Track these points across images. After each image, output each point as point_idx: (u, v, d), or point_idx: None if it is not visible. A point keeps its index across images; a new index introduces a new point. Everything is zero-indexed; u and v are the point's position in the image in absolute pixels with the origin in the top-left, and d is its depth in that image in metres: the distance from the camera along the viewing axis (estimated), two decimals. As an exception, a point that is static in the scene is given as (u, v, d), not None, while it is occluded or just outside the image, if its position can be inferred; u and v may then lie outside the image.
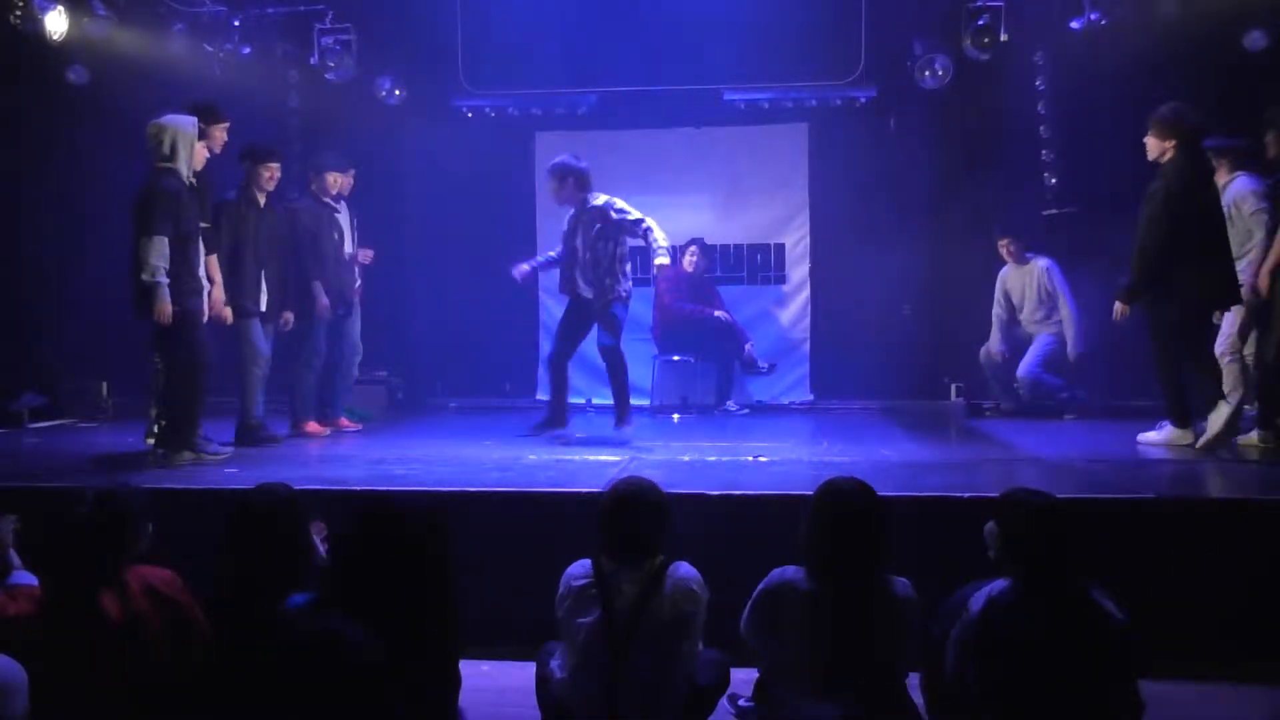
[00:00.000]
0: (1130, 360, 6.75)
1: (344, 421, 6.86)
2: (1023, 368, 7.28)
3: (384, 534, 2.73)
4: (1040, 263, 7.40)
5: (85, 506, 2.88)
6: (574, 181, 6.22)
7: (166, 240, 5.01)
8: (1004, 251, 7.49)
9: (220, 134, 5.69)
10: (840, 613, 2.82)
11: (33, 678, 2.60)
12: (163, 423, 5.50)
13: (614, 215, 6.13)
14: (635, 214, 6.15)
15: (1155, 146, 5.50)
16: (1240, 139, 6.10)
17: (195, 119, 5.32)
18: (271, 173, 6.23)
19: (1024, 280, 7.45)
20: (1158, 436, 5.70)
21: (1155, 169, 5.54)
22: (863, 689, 2.79)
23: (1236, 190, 5.84)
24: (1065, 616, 2.69)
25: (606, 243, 6.16)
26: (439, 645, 2.68)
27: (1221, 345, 5.86)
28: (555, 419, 6.41)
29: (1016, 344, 7.47)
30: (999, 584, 2.79)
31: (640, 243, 6.29)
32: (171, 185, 5.11)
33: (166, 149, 5.14)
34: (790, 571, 2.94)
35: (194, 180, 5.28)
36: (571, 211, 6.32)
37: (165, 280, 5.02)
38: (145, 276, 4.99)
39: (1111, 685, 2.70)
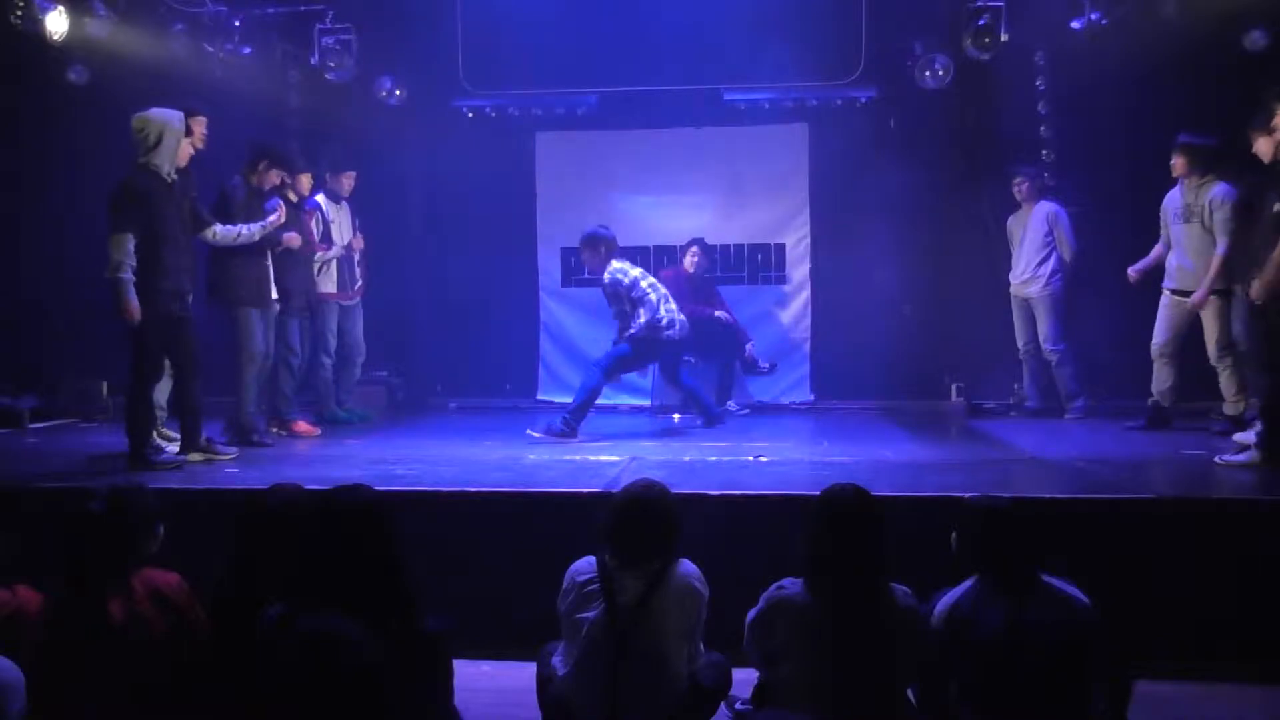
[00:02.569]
0: (1131, 361, 6.76)
1: (301, 426, 6.65)
2: (1049, 342, 7.12)
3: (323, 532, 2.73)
4: (1048, 205, 7.27)
5: (99, 505, 2.88)
6: (605, 249, 6.57)
7: (131, 238, 4.98)
8: (1016, 191, 7.35)
9: (199, 128, 5.67)
10: (841, 625, 2.82)
11: (33, 678, 2.60)
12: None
13: (607, 290, 6.55)
14: (629, 290, 6.50)
15: (1269, 145, 5.40)
16: (1216, 139, 6.16)
17: (182, 114, 5.26)
18: (281, 178, 6.32)
19: (1028, 221, 7.27)
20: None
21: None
22: (864, 701, 2.79)
23: (1217, 196, 5.99)
24: (1026, 609, 2.76)
25: (615, 306, 6.60)
26: (411, 638, 2.67)
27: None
28: (708, 418, 6.94)
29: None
30: (960, 589, 2.88)
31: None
32: (144, 184, 5.06)
33: (151, 142, 5.10)
34: (789, 584, 2.94)
35: (175, 176, 5.21)
36: None
37: (129, 277, 4.98)
38: (107, 273, 4.99)
39: (1086, 672, 2.75)
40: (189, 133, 5.36)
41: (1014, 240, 7.41)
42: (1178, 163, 6.16)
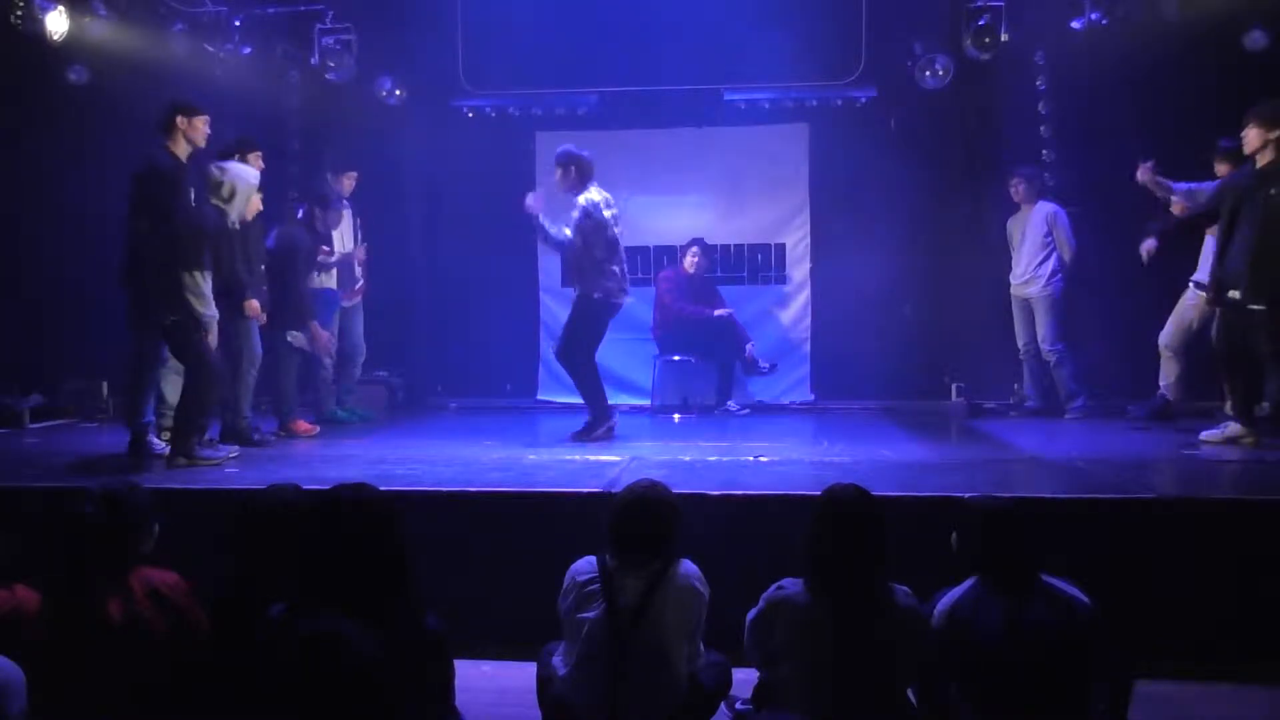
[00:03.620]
0: (1131, 361, 6.77)
1: (302, 426, 6.67)
2: (1047, 342, 7.12)
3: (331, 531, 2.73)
4: (1048, 206, 7.28)
5: (93, 505, 2.88)
6: (575, 170, 6.16)
7: (209, 275, 5.26)
8: (1014, 192, 7.36)
9: (202, 126, 5.68)
10: (841, 626, 2.82)
11: (33, 678, 2.60)
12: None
13: (576, 220, 6.07)
14: (601, 229, 6.05)
15: (1257, 138, 5.43)
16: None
17: (259, 173, 5.54)
18: (259, 162, 6.16)
19: (1027, 222, 7.29)
20: (1220, 434, 5.65)
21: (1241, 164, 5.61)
22: (864, 701, 2.80)
23: None
24: (1026, 609, 2.76)
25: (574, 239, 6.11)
26: (412, 638, 2.66)
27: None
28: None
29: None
30: (960, 589, 2.89)
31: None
32: (214, 224, 5.32)
33: (225, 195, 5.36)
34: (789, 584, 2.94)
35: (238, 226, 5.48)
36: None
37: (212, 314, 5.29)
38: (201, 310, 5.19)
39: (1087, 672, 2.75)
40: (192, 129, 5.40)
41: (1013, 241, 7.42)
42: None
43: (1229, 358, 5.65)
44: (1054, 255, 7.19)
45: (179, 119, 5.39)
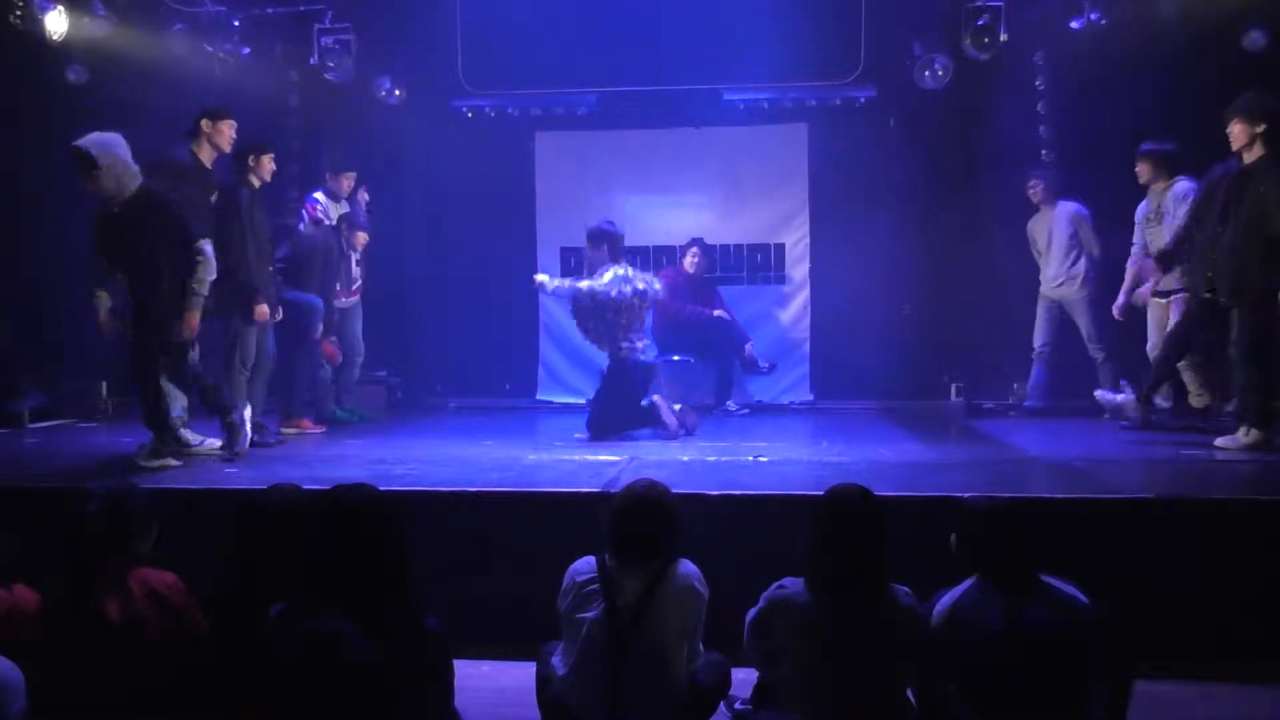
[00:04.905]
0: (1132, 361, 6.77)
1: (305, 423, 6.74)
2: (1094, 340, 7.09)
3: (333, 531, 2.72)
4: (1070, 206, 7.28)
5: (93, 505, 2.88)
6: (608, 248, 6.26)
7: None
8: (1031, 194, 7.36)
9: (228, 130, 5.70)
10: (841, 625, 2.82)
11: (33, 678, 2.60)
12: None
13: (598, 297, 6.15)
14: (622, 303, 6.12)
15: (1243, 133, 5.41)
16: (1174, 144, 6.26)
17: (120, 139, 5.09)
18: (272, 164, 6.18)
19: (1050, 225, 7.28)
20: (1237, 442, 5.49)
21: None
22: (864, 702, 2.80)
23: (1178, 193, 6.07)
24: (1025, 609, 2.76)
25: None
26: (412, 638, 2.67)
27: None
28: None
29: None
30: (960, 589, 2.89)
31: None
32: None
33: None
34: (789, 584, 2.94)
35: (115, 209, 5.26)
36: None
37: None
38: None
39: (1087, 672, 2.76)
40: (217, 133, 5.41)
41: (1037, 244, 7.42)
42: (1142, 169, 6.26)
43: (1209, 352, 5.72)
44: (1083, 255, 7.19)
45: (204, 121, 5.42)
